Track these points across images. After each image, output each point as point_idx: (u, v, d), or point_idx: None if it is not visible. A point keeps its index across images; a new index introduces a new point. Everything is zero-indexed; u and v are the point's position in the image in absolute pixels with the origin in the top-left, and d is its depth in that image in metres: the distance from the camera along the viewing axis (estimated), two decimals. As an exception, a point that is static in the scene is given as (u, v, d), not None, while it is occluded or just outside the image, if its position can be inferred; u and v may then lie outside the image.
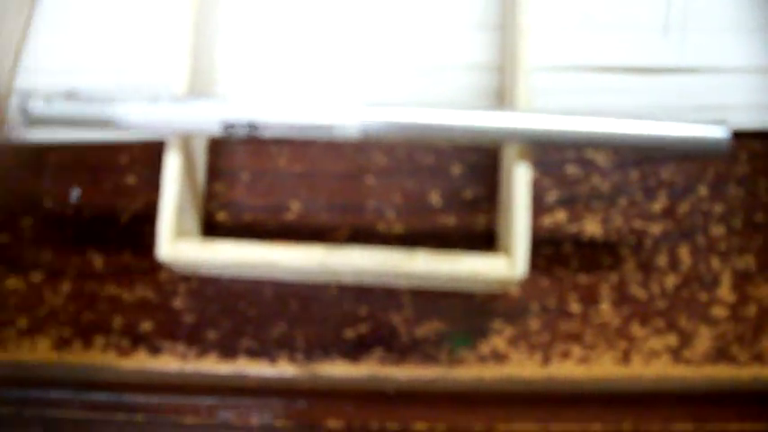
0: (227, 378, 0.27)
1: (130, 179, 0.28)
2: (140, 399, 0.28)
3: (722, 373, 0.27)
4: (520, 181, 0.24)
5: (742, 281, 0.28)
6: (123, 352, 0.27)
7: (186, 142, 0.25)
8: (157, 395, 0.28)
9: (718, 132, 0.23)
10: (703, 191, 0.28)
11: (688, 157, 0.28)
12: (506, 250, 0.24)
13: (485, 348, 0.27)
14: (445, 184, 0.27)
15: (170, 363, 0.27)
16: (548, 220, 0.27)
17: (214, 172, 0.28)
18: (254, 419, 0.28)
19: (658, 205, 0.28)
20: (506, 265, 0.23)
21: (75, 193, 0.28)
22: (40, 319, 0.27)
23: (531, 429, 0.28)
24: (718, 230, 0.28)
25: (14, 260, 0.28)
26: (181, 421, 0.28)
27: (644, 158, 0.28)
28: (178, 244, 0.24)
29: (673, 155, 0.28)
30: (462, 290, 0.27)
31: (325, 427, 0.28)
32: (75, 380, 0.28)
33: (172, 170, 0.24)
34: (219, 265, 0.24)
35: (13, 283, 0.27)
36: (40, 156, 0.28)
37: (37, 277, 0.27)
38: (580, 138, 0.23)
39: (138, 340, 0.27)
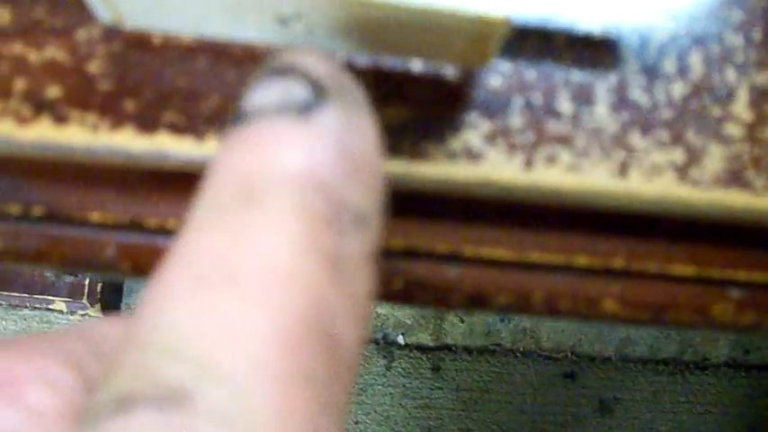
0: (144, 158, 0.22)
1: (52, -74, 0.24)
2: (39, 186, 0.23)
3: (734, 199, 0.23)
4: None
5: (761, 98, 0.24)
6: (23, 119, 0.22)
7: None
8: (60, 184, 0.23)
9: None
10: (720, -5, 0.24)
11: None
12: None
13: (456, 144, 0.22)
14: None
15: (77, 134, 0.22)
16: (537, 9, 0.23)
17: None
18: (173, 220, 0.23)
19: (667, 4, 0.24)
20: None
21: (-16, -61, 0.24)
22: (-76, 73, 0.23)
23: (503, 256, 0.24)
24: (735, 40, 0.24)
25: None
26: (85, 218, 0.23)
27: (653, -46, 0.24)
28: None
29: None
30: (430, 64, 0.22)
31: (259, 235, 0.23)
32: (-40, 154, 0.23)
33: None
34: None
35: None
36: None
37: (-73, 28, 0.23)
38: None
39: (41, 107, 0.22)
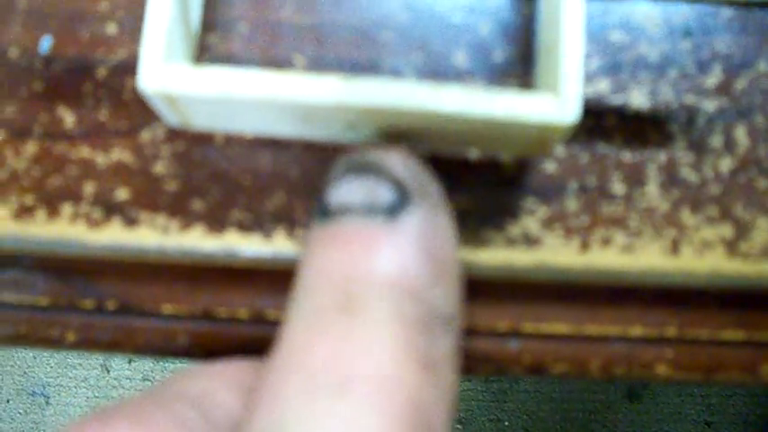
0: (214, 256, 0.23)
1: (110, 28, 0.24)
2: (112, 282, 0.24)
3: (783, 270, 0.24)
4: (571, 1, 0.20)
5: (806, 168, 0.24)
6: (94, 223, 0.23)
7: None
8: (132, 280, 0.24)
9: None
10: (763, 66, 0.25)
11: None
12: (552, 89, 0.20)
13: (515, 230, 0.23)
14: (473, 44, 0.24)
15: (148, 236, 0.23)
16: (589, 90, 0.24)
17: (209, 23, 0.24)
18: (244, 310, 0.24)
19: (712, 80, 0.24)
20: (554, 105, 0.20)
21: (46, 43, 0.24)
22: (-2, 181, 0.23)
23: (562, 331, 0.24)
24: (779, 111, 0.24)
25: (-28, 116, 0.24)
26: (158, 309, 0.24)
27: (697, 28, 0.25)
28: (166, 68, 0.20)
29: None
30: (489, 154, 0.23)
31: (326, 321, 0.24)
32: (37, 256, 0.24)
33: (160, -10, 0.20)
34: (213, 99, 0.20)
35: (-31, 141, 0.24)
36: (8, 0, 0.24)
37: (-3, 135, 0.24)
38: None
39: (112, 210, 0.23)
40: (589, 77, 0.24)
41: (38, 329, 0.25)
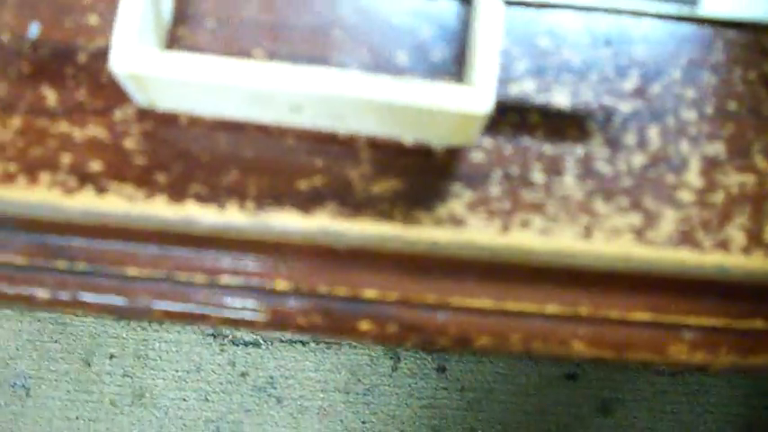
0: (174, 224, 0.26)
1: (92, 19, 0.27)
2: (82, 244, 0.27)
3: (685, 257, 0.26)
4: (490, 7, 0.23)
5: (711, 167, 0.27)
6: (69, 190, 0.26)
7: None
8: (101, 241, 0.27)
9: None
10: (676, 74, 0.27)
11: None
12: (471, 83, 0.23)
13: (442, 211, 0.26)
14: (414, 45, 0.27)
15: (117, 204, 0.26)
16: (515, 89, 0.27)
17: (180, 17, 0.27)
18: (199, 276, 0.27)
19: (629, 84, 0.27)
20: (471, 96, 0.23)
21: (34, 29, 0.27)
22: (-15, 150, 0.26)
23: (486, 306, 0.27)
24: (689, 115, 0.27)
25: (-35, 92, 0.27)
26: (123, 272, 0.27)
27: (617, 37, 0.27)
28: (134, 51, 0.23)
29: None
30: (423, 142, 0.26)
31: (273, 288, 0.27)
32: (16, 218, 0.27)
33: (132, -16, 0.23)
34: (175, 81, 0.23)
35: (-39, 113, 0.27)
36: (3, -10, 0.27)
37: (-13, 110, 0.27)
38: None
39: (85, 179, 0.26)
40: (516, 78, 0.27)
41: (15, 286, 0.28)
